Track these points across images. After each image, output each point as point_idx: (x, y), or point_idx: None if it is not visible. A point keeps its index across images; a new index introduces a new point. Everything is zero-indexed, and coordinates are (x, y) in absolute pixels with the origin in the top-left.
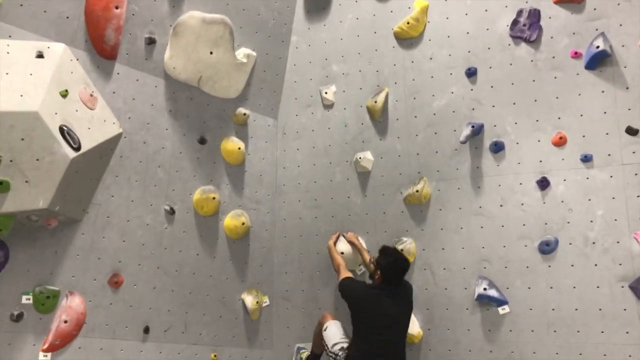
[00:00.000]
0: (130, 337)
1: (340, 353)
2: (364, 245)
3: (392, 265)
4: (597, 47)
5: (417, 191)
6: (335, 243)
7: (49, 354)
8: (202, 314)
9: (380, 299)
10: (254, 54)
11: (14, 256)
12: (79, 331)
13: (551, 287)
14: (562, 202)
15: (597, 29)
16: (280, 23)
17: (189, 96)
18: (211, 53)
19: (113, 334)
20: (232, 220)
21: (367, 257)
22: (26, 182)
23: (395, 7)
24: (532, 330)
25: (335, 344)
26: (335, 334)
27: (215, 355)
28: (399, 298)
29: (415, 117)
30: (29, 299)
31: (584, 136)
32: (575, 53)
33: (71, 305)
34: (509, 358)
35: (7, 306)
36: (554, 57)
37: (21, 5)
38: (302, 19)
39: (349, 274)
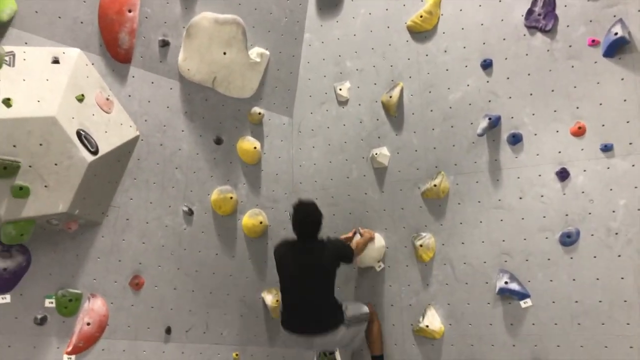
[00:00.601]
0: (152, 338)
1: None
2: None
3: (297, 215)
4: (615, 34)
5: (435, 186)
6: (351, 238)
7: (73, 357)
8: (223, 313)
9: (292, 251)
10: (267, 53)
11: (36, 260)
12: (101, 333)
13: (574, 280)
14: (583, 192)
15: (614, 16)
16: (293, 21)
17: (203, 97)
18: (225, 53)
19: (135, 335)
20: (250, 219)
21: None
22: (45, 186)
23: (408, 1)
24: (556, 324)
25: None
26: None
27: (237, 355)
28: (311, 250)
29: (431, 111)
30: (52, 303)
31: (603, 125)
32: (593, 41)
33: (93, 307)
34: (532, 352)
35: (31, 310)
36: (570, 46)
37: (36, 12)
38: (315, 16)
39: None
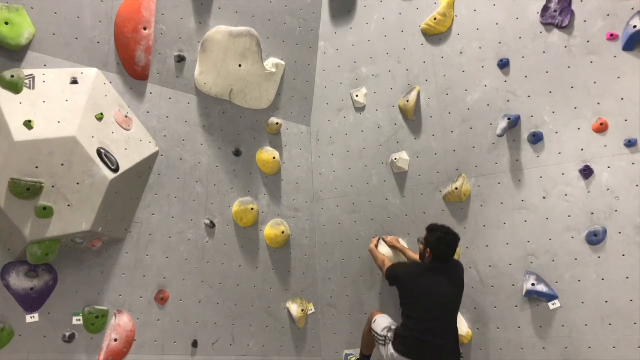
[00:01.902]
0: (179, 352)
1: (388, 334)
2: (405, 246)
3: (441, 240)
4: (635, 27)
5: (456, 189)
6: (376, 246)
7: None
8: (249, 325)
9: (430, 275)
10: (283, 63)
11: (63, 279)
12: (129, 349)
13: (602, 279)
14: (608, 190)
15: (632, 8)
16: (307, 30)
17: (221, 110)
18: (240, 66)
19: (162, 349)
20: (272, 229)
21: (412, 254)
22: (68, 206)
23: (421, 4)
24: (586, 325)
25: (384, 328)
26: (383, 321)
27: None
28: (450, 275)
29: (449, 113)
30: (80, 320)
31: (626, 120)
32: (611, 35)
33: (120, 323)
34: (563, 354)
35: (59, 328)
36: (588, 42)
37: (53, 34)
38: (328, 23)
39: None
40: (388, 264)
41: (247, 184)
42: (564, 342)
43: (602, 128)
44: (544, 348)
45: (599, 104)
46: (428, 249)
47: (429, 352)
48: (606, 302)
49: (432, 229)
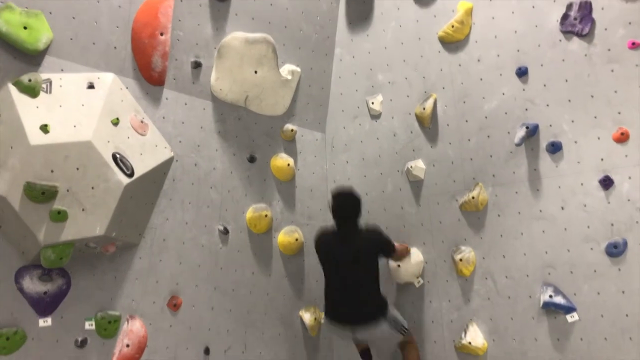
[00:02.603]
0: (191, 359)
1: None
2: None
3: (336, 201)
4: None
5: (473, 198)
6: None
7: None
8: (261, 332)
9: (334, 240)
10: (299, 69)
11: (76, 283)
12: (141, 354)
13: (623, 292)
14: (629, 200)
15: None
16: (323, 37)
17: (236, 116)
18: (256, 72)
19: (174, 356)
20: (285, 236)
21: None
22: (83, 210)
23: (438, 12)
24: (605, 338)
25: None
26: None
27: None
28: (354, 238)
29: (466, 121)
30: (92, 325)
31: None
32: (633, 44)
33: (132, 329)
34: None
35: (71, 333)
36: (609, 50)
37: (71, 39)
38: (345, 30)
39: None
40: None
41: (261, 190)
42: (582, 356)
43: (622, 138)
44: None
45: (619, 113)
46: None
47: (341, 313)
48: (626, 315)
49: (333, 194)
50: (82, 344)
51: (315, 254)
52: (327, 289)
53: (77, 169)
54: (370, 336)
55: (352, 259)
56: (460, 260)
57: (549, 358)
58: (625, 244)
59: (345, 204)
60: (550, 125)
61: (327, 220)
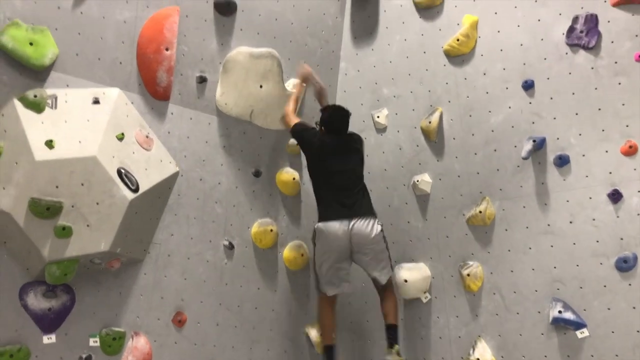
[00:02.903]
0: None
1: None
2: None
3: (331, 115)
4: None
5: (480, 212)
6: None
7: None
8: (267, 349)
9: (330, 145)
10: (304, 83)
11: (80, 299)
12: None
13: (634, 307)
14: (638, 215)
15: None
16: (328, 51)
17: (241, 130)
18: (261, 87)
19: None
20: (291, 251)
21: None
22: (87, 226)
23: (443, 25)
24: (616, 355)
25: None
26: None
27: None
28: (348, 144)
29: (473, 135)
30: (97, 342)
31: None
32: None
33: (137, 346)
34: None
35: (75, 349)
36: (616, 63)
37: (77, 54)
38: (350, 44)
39: (299, 119)
40: (292, 117)
41: (267, 205)
42: None
43: (631, 151)
44: None
45: (627, 126)
46: (322, 127)
47: (338, 207)
48: (637, 331)
49: (324, 109)
50: (88, 358)
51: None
52: (320, 191)
53: (82, 184)
54: (369, 244)
55: (351, 159)
56: (468, 275)
57: None
58: (635, 258)
59: (340, 115)
60: (558, 139)
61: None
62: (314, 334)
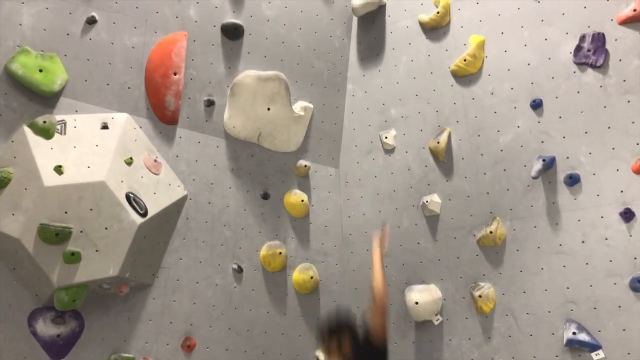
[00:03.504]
0: None
1: None
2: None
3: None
4: None
5: (490, 232)
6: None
7: None
8: None
9: None
10: (311, 105)
11: (89, 325)
12: None
13: None
14: None
15: None
16: (335, 73)
17: (249, 153)
18: (268, 109)
19: None
20: (300, 274)
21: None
22: (96, 251)
23: (450, 46)
24: None
25: None
26: None
27: None
28: None
29: (482, 155)
30: None
31: None
32: None
33: None
34: None
35: None
36: (624, 81)
37: (86, 80)
38: (357, 66)
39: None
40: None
41: (275, 227)
42: None
43: None
44: None
45: (638, 144)
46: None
47: None
48: None
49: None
50: None
51: (331, 292)
52: None
53: (91, 209)
54: None
55: None
56: (480, 296)
57: None
58: None
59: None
60: (568, 158)
61: (343, 257)
62: (323, 357)
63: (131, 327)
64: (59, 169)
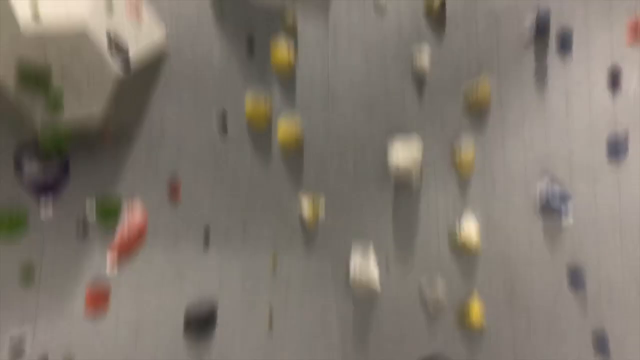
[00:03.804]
0: (191, 245)
1: None
2: None
3: None
4: None
5: (476, 88)
6: None
7: (116, 264)
8: (261, 214)
9: None
10: None
11: (75, 170)
12: (142, 238)
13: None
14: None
15: None
16: None
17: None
18: None
19: (175, 243)
20: (285, 127)
21: None
22: (79, 96)
23: None
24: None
25: None
26: None
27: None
28: None
29: (476, 10)
30: (93, 210)
31: None
32: None
33: (133, 216)
34: (568, 266)
35: (72, 217)
36: None
37: None
38: None
39: None
40: None
41: (261, 81)
42: (569, 254)
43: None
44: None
45: None
46: None
47: None
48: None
49: None
50: (85, 229)
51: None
52: None
53: (72, 56)
54: None
55: None
56: (460, 154)
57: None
58: (626, 143)
59: None
60: (562, 16)
61: (328, 111)
62: (306, 203)
63: (117, 171)
64: (35, 10)
